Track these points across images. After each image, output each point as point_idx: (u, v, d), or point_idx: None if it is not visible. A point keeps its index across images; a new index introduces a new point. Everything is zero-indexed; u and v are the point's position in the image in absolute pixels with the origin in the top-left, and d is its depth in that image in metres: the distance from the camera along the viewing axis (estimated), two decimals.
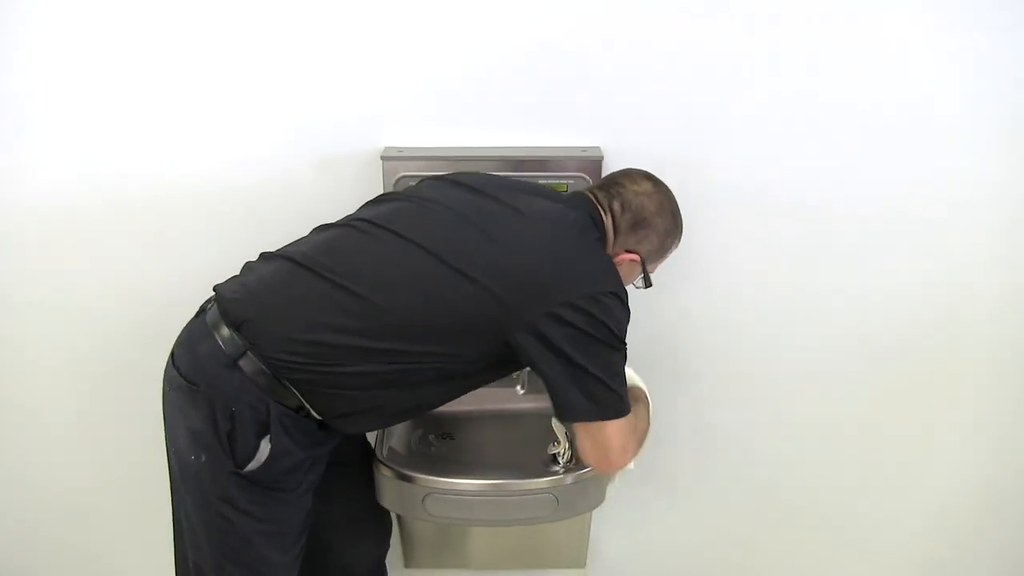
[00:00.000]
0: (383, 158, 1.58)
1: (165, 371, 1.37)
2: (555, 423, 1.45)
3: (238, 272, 1.40)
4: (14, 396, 1.88)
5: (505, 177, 1.48)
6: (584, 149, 1.62)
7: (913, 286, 1.77)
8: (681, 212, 1.51)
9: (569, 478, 1.45)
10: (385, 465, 1.46)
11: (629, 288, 1.41)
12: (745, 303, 1.80)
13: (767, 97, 1.62)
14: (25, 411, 1.90)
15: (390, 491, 1.48)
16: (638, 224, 1.45)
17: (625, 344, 1.34)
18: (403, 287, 1.29)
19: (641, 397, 1.51)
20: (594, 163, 1.58)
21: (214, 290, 1.37)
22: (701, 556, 2.13)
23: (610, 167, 1.63)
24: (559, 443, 1.46)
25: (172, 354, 1.36)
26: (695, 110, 1.63)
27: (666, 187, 1.50)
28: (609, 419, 1.30)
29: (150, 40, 1.58)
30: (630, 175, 1.49)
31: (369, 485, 1.54)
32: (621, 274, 1.40)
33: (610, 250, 1.44)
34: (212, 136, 1.64)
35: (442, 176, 1.47)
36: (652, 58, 1.59)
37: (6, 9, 1.55)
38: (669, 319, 1.81)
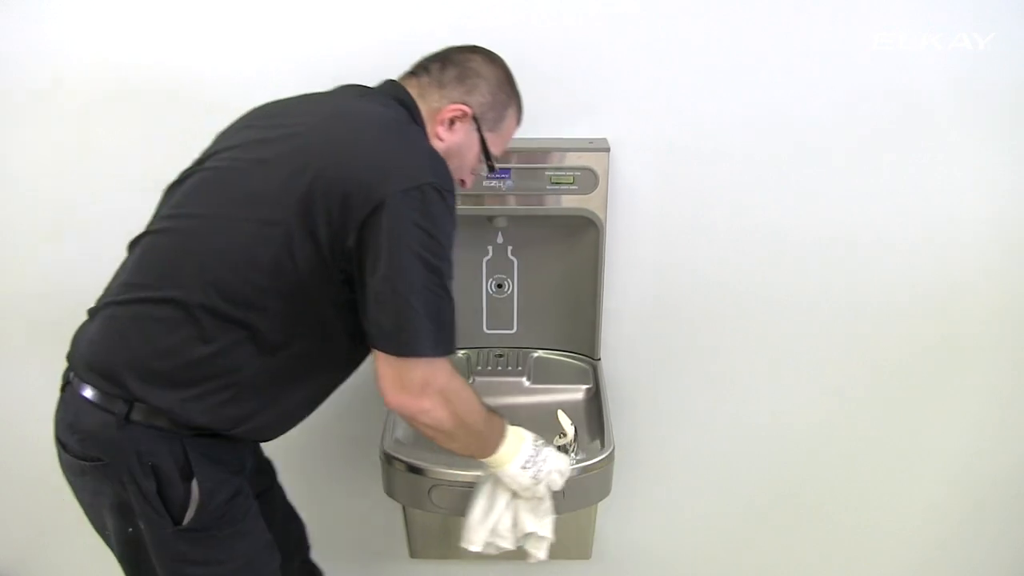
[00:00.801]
0: None
1: (60, 462, 1.27)
2: (561, 415, 1.45)
3: None
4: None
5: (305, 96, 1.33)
6: (591, 140, 1.62)
7: (912, 286, 1.77)
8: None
9: (575, 470, 1.44)
10: (392, 457, 1.46)
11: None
12: (749, 296, 1.80)
13: (774, 90, 1.62)
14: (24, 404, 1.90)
15: (397, 483, 1.48)
16: (464, 75, 1.32)
17: (447, 259, 1.17)
18: (212, 266, 1.17)
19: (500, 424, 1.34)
20: (601, 154, 1.57)
21: (68, 361, 1.27)
22: (706, 549, 2.13)
23: (617, 158, 1.63)
24: (565, 435, 1.46)
25: (59, 443, 1.25)
26: (701, 101, 1.63)
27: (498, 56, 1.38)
28: (405, 355, 1.15)
29: (164, 42, 1.59)
30: (454, 46, 1.37)
31: (278, 507, 1.56)
32: (459, 149, 1.31)
33: (432, 110, 1.30)
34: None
35: (233, 124, 1.32)
36: (659, 49, 1.59)
37: None
38: (674, 315, 1.82)
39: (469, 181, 1.40)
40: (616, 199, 1.67)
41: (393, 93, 1.30)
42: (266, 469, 1.57)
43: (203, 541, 1.25)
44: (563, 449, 1.45)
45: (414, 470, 1.45)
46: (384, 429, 1.54)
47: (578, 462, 1.44)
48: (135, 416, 1.18)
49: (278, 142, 1.21)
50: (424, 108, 1.30)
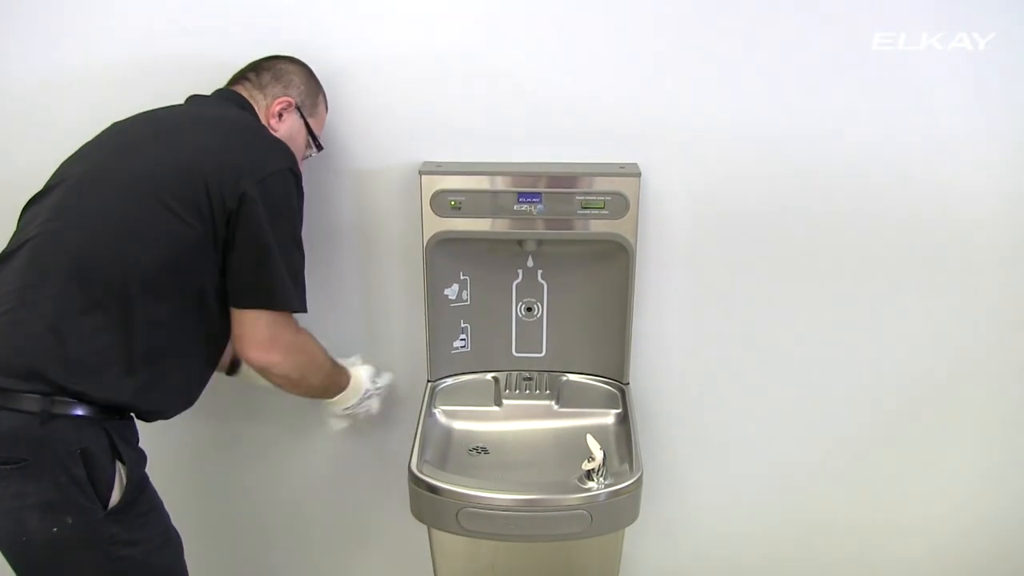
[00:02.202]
0: (421, 172, 1.60)
1: None
2: (590, 439, 1.45)
3: None
4: None
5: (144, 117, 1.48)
6: (622, 166, 1.62)
7: (927, 296, 1.77)
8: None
9: (603, 495, 1.43)
10: (419, 479, 1.46)
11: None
12: (779, 322, 1.80)
13: (801, 114, 1.62)
14: None
15: (424, 505, 1.48)
16: (278, 75, 1.54)
17: (300, 230, 1.43)
18: (121, 255, 1.29)
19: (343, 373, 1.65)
20: (632, 179, 1.58)
21: None
22: (733, 575, 2.11)
23: (648, 183, 1.64)
24: (594, 459, 1.45)
25: None
26: (730, 126, 1.63)
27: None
28: (262, 307, 1.38)
29: (193, 60, 1.62)
30: (248, 64, 1.58)
31: None
32: (290, 136, 1.51)
33: (263, 108, 1.52)
34: None
35: (86, 146, 1.44)
36: (689, 76, 1.60)
37: None
38: (703, 340, 1.82)
39: (300, 164, 1.55)
40: (647, 224, 1.68)
41: (234, 100, 1.51)
42: None
43: (130, 521, 1.32)
44: (591, 474, 1.45)
45: (441, 492, 1.45)
46: (412, 450, 1.54)
47: (607, 487, 1.44)
48: (57, 410, 1.24)
49: (156, 143, 1.39)
50: (256, 108, 1.52)
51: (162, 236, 1.31)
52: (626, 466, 1.52)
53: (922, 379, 1.84)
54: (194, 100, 1.52)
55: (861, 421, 1.89)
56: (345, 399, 1.65)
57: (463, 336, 1.78)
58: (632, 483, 1.46)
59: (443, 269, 1.70)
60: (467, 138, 1.65)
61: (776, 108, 1.62)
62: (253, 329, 1.39)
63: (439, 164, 1.63)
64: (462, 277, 1.73)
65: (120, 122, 1.46)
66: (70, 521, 1.25)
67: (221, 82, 1.57)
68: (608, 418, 1.73)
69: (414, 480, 1.47)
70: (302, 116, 1.55)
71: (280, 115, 1.52)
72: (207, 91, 1.54)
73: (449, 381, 1.78)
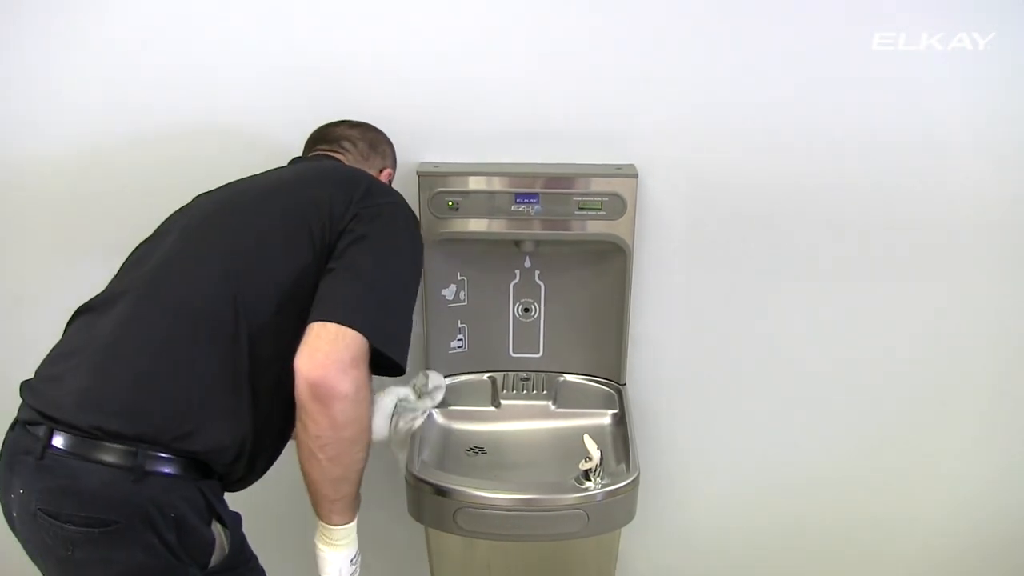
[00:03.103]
0: (419, 174, 1.60)
1: (41, 544, 1.13)
2: (587, 439, 1.45)
3: None
4: None
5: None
6: (619, 167, 1.63)
7: (923, 302, 1.78)
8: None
9: (600, 495, 1.44)
10: (418, 479, 1.47)
11: None
12: (775, 323, 1.80)
13: (800, 115, 1.63)
14: None
15: (422, 505, 1.49)
16: (374, 145, 1.55)
17: (414, 272, 1.32)
18: (242, 287, 1.20)
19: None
20: (629, 180, 1.59)
21: (45, 419, 1.14)
22: (729, 573, 2.12)
23: (645, 184, 1.64)
24: (591, 459, 1.46)
25: (45, 516, 1.10)
26: (728, 127, 1.64)
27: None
28: (347, 324, 1.14)
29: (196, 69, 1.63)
30: (327, 128, 1.56)
31: None
32: None
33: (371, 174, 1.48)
34: (257, 155, 1.66)
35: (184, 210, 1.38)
36: (686, 78, 1.60)
37: None
38: (700, 341, 1.83)
39: None
40: (644, 225, 1.68)
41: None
42: None
43: None
44: (588, 474, 1.45)
45: (439, 492, 1.45)
46: (411, 451, 1.55)
47: (604, 486, 1.44)
48: (150, 466, 1.12)
49: (270, 189, 1.34)
50: None
51: (276, 271, 1.22)
52: (623, 466, 1.53)
53: (922, 379, 1.85)
54: (297, 160, 1.51)
55: (859, 421, 1.89)
56: (352, 538, 1.36)
57: (460, 336, 1.78)
58: (629, 483, 1.47)
59: (441, 269, 1.70)
60: (465, 139, 1.66)
61: (775, 109, 1.62)
62: (334, 343, 1.13)
63: (436, 165, 1.64)
64: (459, 277, 1.74)
65: (233, 181, 1.41)
66: None
67: (228, 83, 1.58)
68: (605, 418, 1.73)
69: (413, 481, 1.48)
70: (390, 182, 1.57)
71: None
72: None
73: (447, 381, 1.78)
